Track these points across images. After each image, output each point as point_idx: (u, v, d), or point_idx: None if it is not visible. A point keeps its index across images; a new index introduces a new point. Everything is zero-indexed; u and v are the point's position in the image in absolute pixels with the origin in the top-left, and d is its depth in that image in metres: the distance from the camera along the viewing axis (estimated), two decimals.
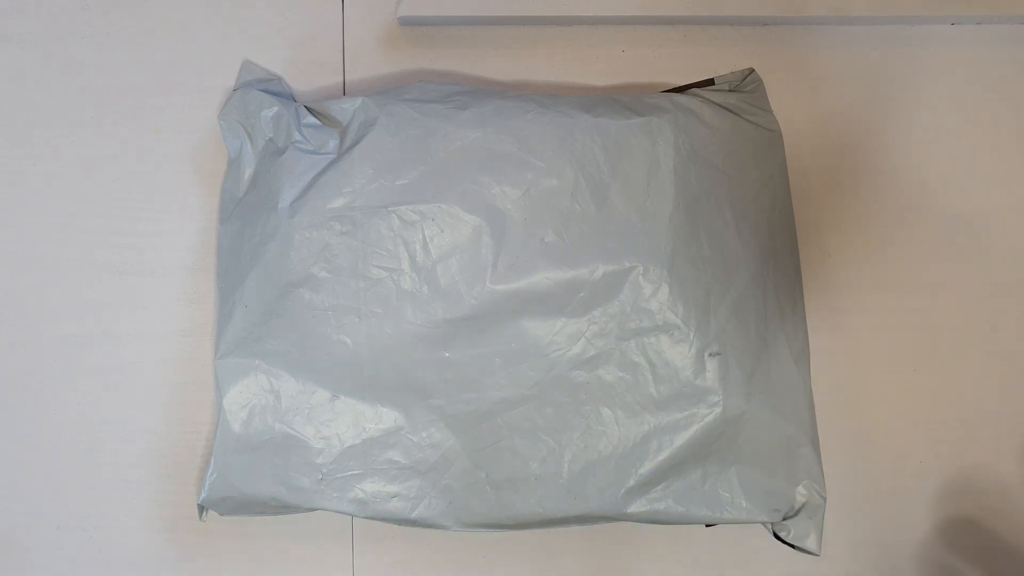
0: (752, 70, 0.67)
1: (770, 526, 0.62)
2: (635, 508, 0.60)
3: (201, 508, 0.62)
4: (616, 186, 0.61)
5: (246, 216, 0.63)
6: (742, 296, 0.61)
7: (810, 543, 0.61)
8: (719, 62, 0.69)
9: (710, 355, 0.60)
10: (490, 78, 0.69)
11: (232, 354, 0.61)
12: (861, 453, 0.67)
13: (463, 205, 0.60)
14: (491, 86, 0.67)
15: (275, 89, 0.66)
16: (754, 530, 0.65)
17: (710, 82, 0.67)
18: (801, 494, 0.61)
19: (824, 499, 0.61)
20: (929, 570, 0.67)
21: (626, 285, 0.60)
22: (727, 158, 0.63)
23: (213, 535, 0.65)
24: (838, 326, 0.67)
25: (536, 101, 0.62)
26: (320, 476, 0.60)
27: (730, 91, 0.66)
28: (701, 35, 0.69)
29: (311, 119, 0.63)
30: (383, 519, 0.61)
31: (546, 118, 0.61)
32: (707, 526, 0.63)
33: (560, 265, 0.60)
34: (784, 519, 0.61)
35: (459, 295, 0.60)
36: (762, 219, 0.63)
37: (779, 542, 0.62)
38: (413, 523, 0.61)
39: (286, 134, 0.63)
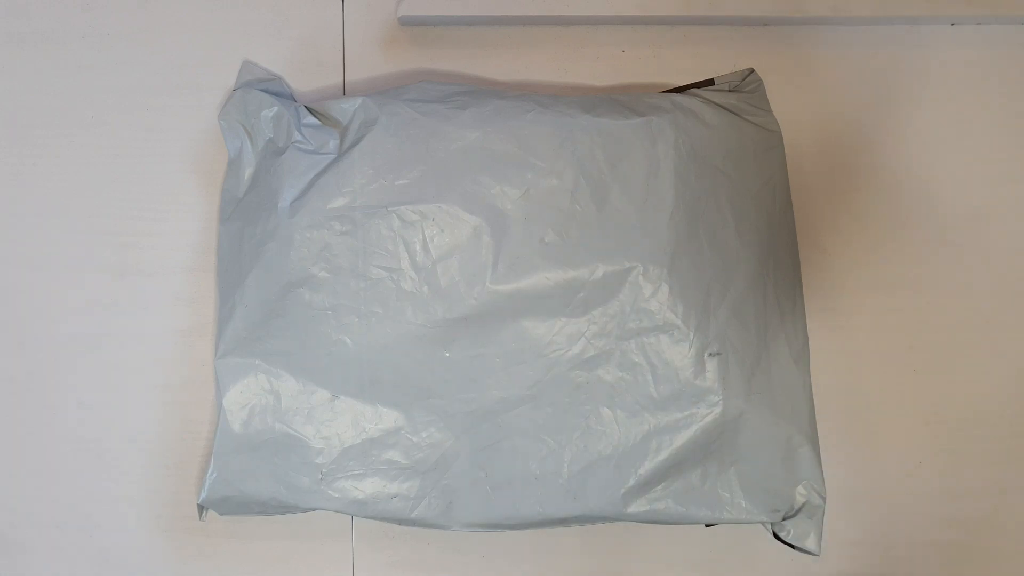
0: (752, 70, 0.67)
1: (770, 526, 0.62)
2: (635, 508, 0.60)
3: (201, 508, 0.62)
4: (616, 186, 0.61)
5: (246, 216, 0.63)
6: (742, 296, 0.61)
7: (810, 543, 0.61)
8: (719, 62, 0.69)
9: (710, 355, 0.60)
10: (490, 78, 0.69)
11: (232, 354, 0.61)
12: (861, 453, 0.67)
13: (463, 205, 0.60)
14: (491, 86, 0.67)
15: (275, 89, 0.66)
16: (754, 530, 0.65)
17: (710, 82, 0.67)
18: (801, 494, 0.61)
19: (824, 499, 0.61)
20: (928, 570, 0.67)
21: (626, 285, 0.60)
22: (727, 158, 0.62)
23: (213, 535, 0.65)
24: (838, 326, 0.67)
25: (536, 101, 0.62)
26: (320, 476, 0.60)
27: (730, 91, 0.66)
28: (701, 35, 0.69)
29: (311, 119, 0.63)
30: (383, 519, 0.61)
31: (546, 118, 0.61)
32: (707, 526, 0.63)
33: (560, 265, 0.60)
34: (784, 519, 0.61)
35: (459, 295, 0.60)
36: (762, 219, 0.63)
37: (779, 542, 0.62)
38: (413, 523, 0.61)
39: (286, 134, 0.63)
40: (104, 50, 0.68)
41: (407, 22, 0.68)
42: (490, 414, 0.60)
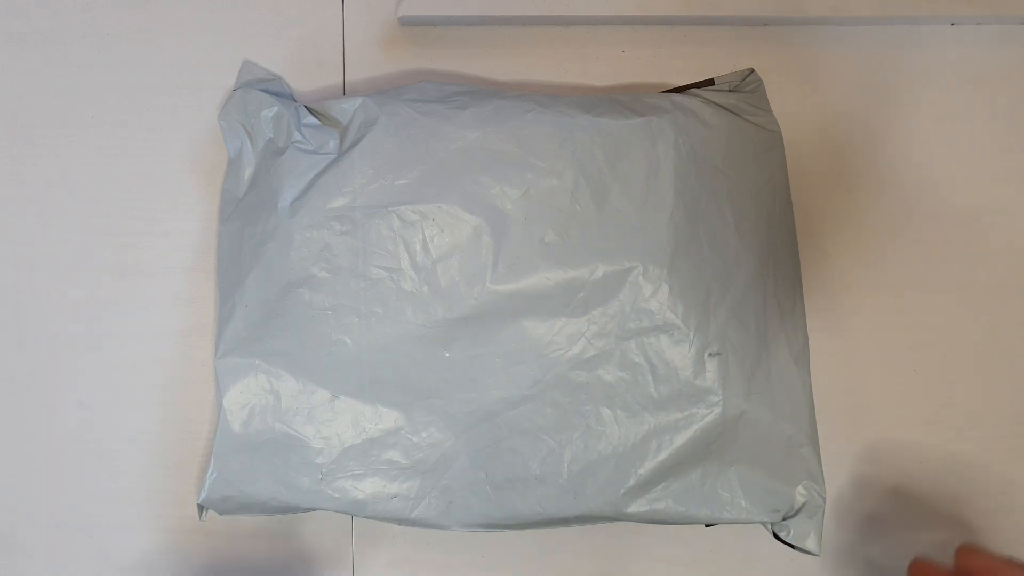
0: (752, 70, 0.67)
1: (770, 526, 0.62)
2: (635, 508, 0.60)
3: (201, 508, 0.62)
4: (616, 186, 0.61)
5: (246, 216, 0.63)
6: (742, 296, 0.61)
7: (810, 543, 0.61)
8: (719, 62, 0.69)
9: (710, 355, 0.60)
10: (490, 78, 0.69)
11: (232, 354, 0.61)
12: (861, 453, 0.67)
13: (463, 205, 0.60)
14: (491, 86, 0.67)
15: (275, 89, 0.66)
16: (754, 530, 0.65)
17: (710, 82, 0.67)
18: (801, 494, 0.61)
19: (824, 499, 0.61)
20: None
21: (626, 285, 0.60)
22: (727, 158, 0.62)
23: (213, 535, 0.65)
24: (838, 326, 0.67)
25: (536, 101, 0.62)
26: (320, 476, 0.60)
27: (730, 91, 0.66)
28: (701, 35, 0.69)
29: (311, 119, 0.63)
30: (383, 519, 0.61)
31: (546, 118, 0.61)
32: (707, 526, 0.63)
33: (560, 265, 0.60)
34: (784, 519, 0.61)
35: (459, 295, 0.60)
36: (762, 219, 0.63)
37: (779, 542, 0.62)
38: (413, 523, 0.61)
39: (286, 134, 0.63)
40: (104, 50, 0.68)
41: (407, 22, 0.68)
42: (490, 414, 0.60)
